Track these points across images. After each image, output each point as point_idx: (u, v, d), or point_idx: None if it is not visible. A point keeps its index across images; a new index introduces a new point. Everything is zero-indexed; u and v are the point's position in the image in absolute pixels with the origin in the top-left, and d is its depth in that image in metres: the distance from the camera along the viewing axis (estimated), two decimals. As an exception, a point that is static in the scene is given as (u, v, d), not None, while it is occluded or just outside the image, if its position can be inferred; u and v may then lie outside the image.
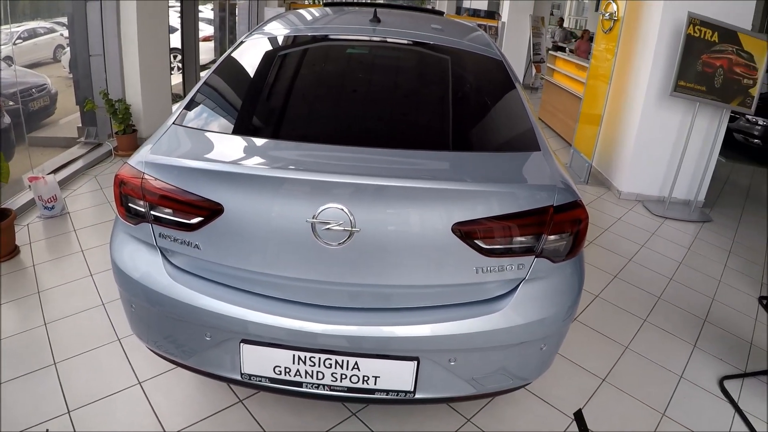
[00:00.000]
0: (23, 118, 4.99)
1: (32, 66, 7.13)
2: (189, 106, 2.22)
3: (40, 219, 4.21)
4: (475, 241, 1.78)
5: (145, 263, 1.95)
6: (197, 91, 2.31)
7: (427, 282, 1.84)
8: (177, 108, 2.25)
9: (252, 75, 2.44)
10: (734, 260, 4.60)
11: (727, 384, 2.95)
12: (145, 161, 1.88)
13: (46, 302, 3.19)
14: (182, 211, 1.83)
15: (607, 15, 5.68)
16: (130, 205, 1.93)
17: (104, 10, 5.32)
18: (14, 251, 3.70)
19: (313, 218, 1.72)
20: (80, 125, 5.84)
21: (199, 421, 2.40)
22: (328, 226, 1.72)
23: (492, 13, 12.36)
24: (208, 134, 2.07)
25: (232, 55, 2.55)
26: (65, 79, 6.85)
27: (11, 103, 5.11)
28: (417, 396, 1.92)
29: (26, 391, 2.54)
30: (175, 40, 7.50)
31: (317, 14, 3.14)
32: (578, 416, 2.59)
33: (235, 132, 2.11)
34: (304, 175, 1.74)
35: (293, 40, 2.68)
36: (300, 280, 1.84)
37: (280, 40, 2.66)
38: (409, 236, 1.77)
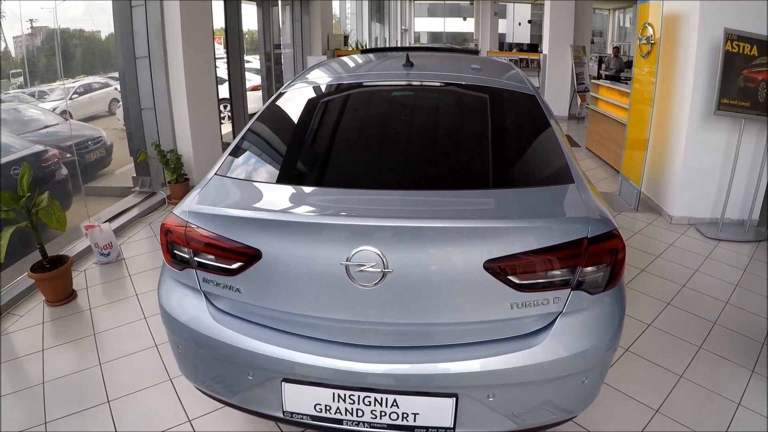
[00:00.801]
0: (79, 169, 5.29)
1: (88, 119, 7.57)
2: (231, 156, 2.35)
3: (96, 265, 4.42)
4: (508, 277, 1.77)
5: (191, 307, 2.05)
6: (238, 142, 2.44)
7: (461, 320, 1.85)
8: (219, 160, 2.37)
9: (290, 124, 2.56)
10: (793, 280, 4.37)
11: (788, 410, 2.79)
12: (188, 211, 2.00)
13: (101, 343, 3.33)
14: (223, 257, 1.92)
15: (644, 39, 5.62)
16: (175, 252, 2.05)
17: (153, 67, 5.62)
18: (71, 295, 3.89)
19: (346, 261, 1.76)
20: (135, 175, 6.14)
21: (247, 459, 2.44)
22: (361, 268, 1.76)
23: (535, 46, 12.41)
24: (247, 183, 2.18)
25: (271, 105, 2.68)
26: (120, 131, 7.22)
27: (68, 155, 5.44)
28: None
29: (80, 427, 2.65)
30: (225, 91, 7.83)
31: (353, 62, 3.25)
32: None
33: (272, 180, 2.21)
34: (334, 220, 1.83)
35: (329, 89, 2.79)
36: (337, 321, 1.88)
37: (316, 89, 2.77)
38: (441, 275, 1.78)
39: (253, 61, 11.65)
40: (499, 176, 2.17)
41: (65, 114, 6.62)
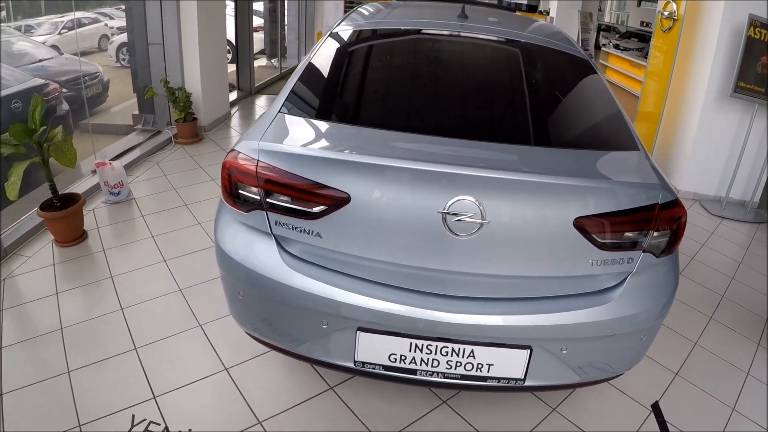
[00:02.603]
0: (84, 104, 5.03)
1: (78, 55, 7.23)
2: (293, 94, 2.21)
3: (105, 204, 4.25)
4: (592, 235, 1.83)
5: (260, 252, 1.96)
6: (298, 80, 2.29)
7: (547, 273, 1.89)
8: (279, 97, 2.23)
9: (352, 67, 2.43)
10: (792, 262, 4.56)
11: (792, 384, 2.97)
12: (259, 148, 1.88)
13: (120, 287, 3.22)
14: (304, 200, 1.84)
15: (666, 14, 5.63)
16: (240, 192, 1.94)
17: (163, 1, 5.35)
18: (82, 236, 3.74)
19: (444, 209, 1.75)
20: (136, 113, 5.86)
21: (291, 408, 2.43)
22: (459, 218, 1.74)
23: (533, 7, 12.12)
24: (322, 123, 2.07)
25: (329, 42, 2.52)
26: (111, 68, 6.91)
27: (65, 90, 5.19)
28: (526, 383, 1.97)
29: (106, 376, 2.55)
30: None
31: (403, 8, 3.15)
32: (656, 408, 2.65)
33: (349, 121, 2.12)
34: (436, 167, 1.75)
35: (390, 34, 2.68)
36: (425, 270, 1.86)
37: (376, 33, 2.67)
38: (534, 229, 1.81)
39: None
40: (578, 138, 2.22)
41: (56, 49, 6.30)
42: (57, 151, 3.48)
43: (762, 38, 4.90)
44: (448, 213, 1.75)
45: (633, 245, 1.90)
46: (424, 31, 2.65)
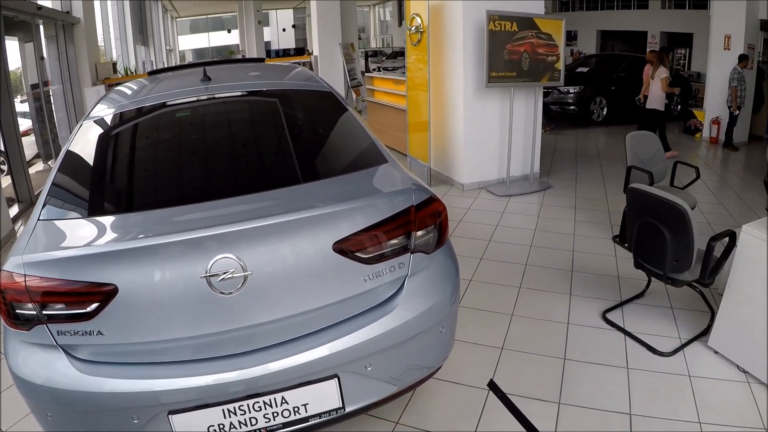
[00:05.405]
0: None
1: None
2: (48, 202, 2.11)
3: None
4: (356, 254, 1.91)
5: (52, 366, 1.83)
6: (51, 187, 2.19)
7: (324, 302, 1.93)
8: (38, 203, 2.12)
9: (104, 155, 2.37)
10: (581, 214, 5.19)
11: (609, 316, 3.36)
12: (23, 262, 1.78)
13: None
14: (75, 302, 1.76)
15: (413, 29, 6.09)
16: (18, 312, 1.81)
17: None
18: None
19: (206, 273, 1.74)
20: None
21: None
22: (222, 277, 1.75)
23: (302, 50, 12.61)
24: (77, 222, 2.00)
25: (76, 140, 2.43)
26: None
27: None
28: (348, 410, 1.98)
29: None
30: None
31: (146, 85, 3.07)
32: (492, 386, 2.78)
33: (102, 213, 2.06)
34: (184, 235, 1.75)
35: (137, 113, 2.62)
36: (211, 335, 1.84)
37: (123, 116, 2.58)
38: (297, 266, 1.87)
39: (17, 106, 10.19)
40: (326, 167, 2.36)
41: None
42: None
43: (502, 29, 5.54)
44: (211, 275, 1.75)
45: (400, 250, 2.01)
46: (170, 102, 2.62)
